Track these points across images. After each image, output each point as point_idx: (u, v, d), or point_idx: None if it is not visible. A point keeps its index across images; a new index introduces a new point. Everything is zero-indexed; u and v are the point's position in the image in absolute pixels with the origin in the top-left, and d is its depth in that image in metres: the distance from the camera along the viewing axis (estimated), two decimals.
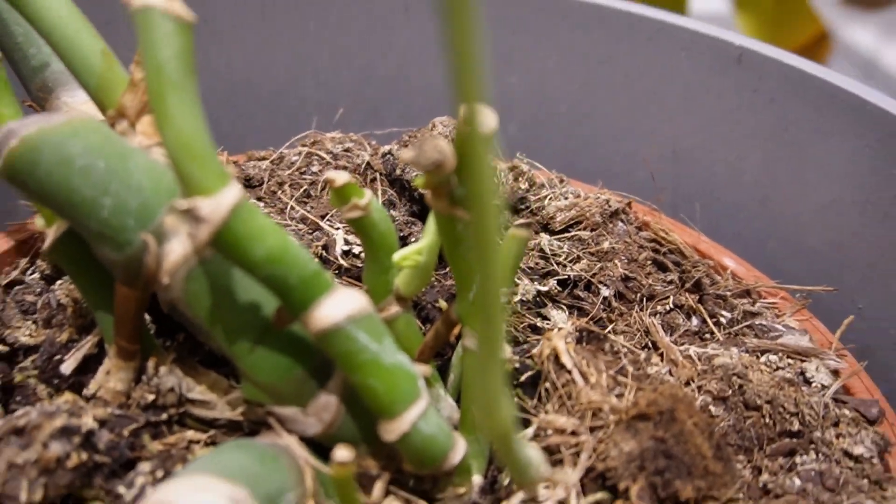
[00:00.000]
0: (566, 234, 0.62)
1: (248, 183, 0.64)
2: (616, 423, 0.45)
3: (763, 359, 0.53)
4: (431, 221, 0.48)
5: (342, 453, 0.36)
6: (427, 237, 0.48)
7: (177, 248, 0.41)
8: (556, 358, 0.49)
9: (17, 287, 0.55)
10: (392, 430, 0.41)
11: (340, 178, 0.46)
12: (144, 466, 0.41)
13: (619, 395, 0.47)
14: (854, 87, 0.58)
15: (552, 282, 0.59)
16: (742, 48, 0.64)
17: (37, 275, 0.57)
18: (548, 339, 0.49)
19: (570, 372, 0.48)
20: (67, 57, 0.44)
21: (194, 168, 0.36)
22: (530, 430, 0.47)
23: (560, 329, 0.51)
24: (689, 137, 0.70)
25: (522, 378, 0.51)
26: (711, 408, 0.49)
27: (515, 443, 0.34)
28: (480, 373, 0.29)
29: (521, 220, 0.49)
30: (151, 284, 0.42)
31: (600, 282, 0.59)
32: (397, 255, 0.48)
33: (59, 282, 0.54)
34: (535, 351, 0.51)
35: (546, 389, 0.49)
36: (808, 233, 0.64)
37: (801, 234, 0.65)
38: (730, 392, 0.49)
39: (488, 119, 0.38)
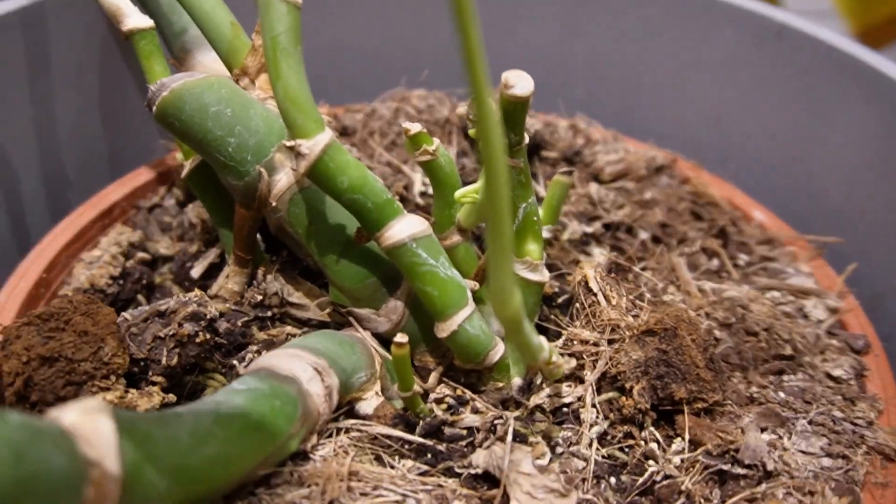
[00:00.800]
0: (614, 185, 0.72)
1: (345, 131, 0.75)
2: (630, 338, 0.55)
3: (768, 295, 0.61)
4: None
5: (400, 337, 0.47)
6: (483, 179, 0.59)
7: (283, 179, 0.53)
8: (586, 283, 0.59)
9: (156, 209, 0.69)
10: (444, 329, 0.52)
11: (414, 128, 0.57)
12: (252, 348, 0.54)
13: (635, 316, 0.57)
14: (874, 60, 0.64)
15: (597, 224, 0.68)
16: (783, 24, 0.71)
17: (172, 200, 0.70)
18: (580, 268, 0.59)
19: (595, 295, 0.58)
20: (205, 28, 0.56)
21: (298, 116, 0.47)
22: (560, 341, 0.57)
23: (590, 261, 0.61)
24: (732, 103, 0.78)
25: (560, 300, 0.61)
26: (716, 332, 0.57)
27: (524, 326, 0.44)
28: (494, 270, 0.39)
29: (567, 168, 0.58)
30: (263, 206, 0.54)
31: (639, 226, 0.68)
32: (458, 193, 0.58)
33: (190, 206, 0.67)
34: (569, 278, 0.61)
35: (576, 309, 0.59)
36: (831, 189, 0.72)
37: (825, 190, 0.72)
38: (733, 320, 0.58)
39: (523, 83, 0.49)
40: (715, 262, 0.65)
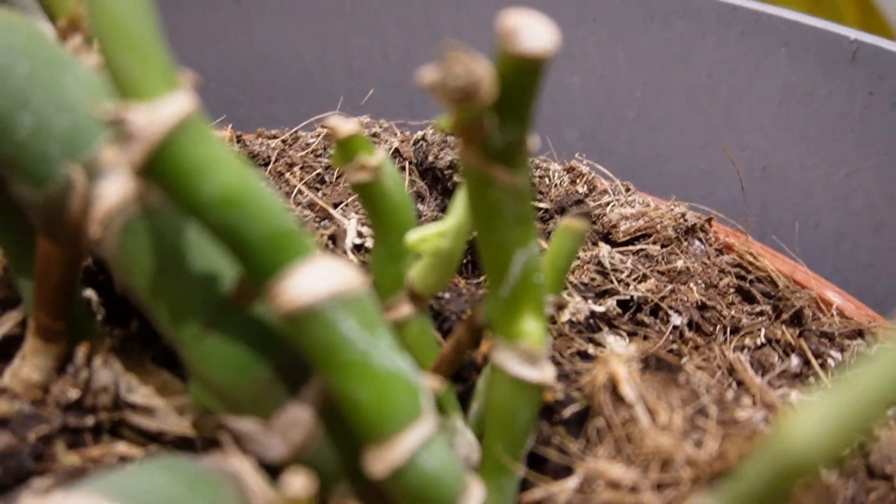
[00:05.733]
0: (631, 248, 0.51)
1: (254, 161, 0.53)
2: (693, 480, 0.33)
3: (891, 412, 0.40)
4: (461, 195, 0.37)
5: (296, 482, 0.25)
6: (454, 217, 0.37)
7: (113, 189, 0.30)
8: (614, 388, 0.37)
9: None
10: (381, 460, 0.29)
11: (344, 127, 0.35)
12: (39, 484, 0.30)
13: (698, 443, 0.35)
14: None
15: (610, 302, 0.47)
16: (858, 42, 0.52)
17: None
18: (604, 364, 0.38)
19: (631, 407, 0.36)
20: None
21: (129, 60, 0.26)
22: (574, 481, 0.35)
23: (620, 353, 0.39)
24: (784, 150, 0.58)
25: (566, 413, 0.39)
26: (822, 472, 0.36)
27: None
28: None
29: (580, 210, 0.38)
30: (79, 237, 0.31)
31: (670, 307, 0.47)
32: (414, 236, 0.37)
33: None
34: (584, 380, 0.39)
35: (598, 429, 0.37)
36: None
37: None
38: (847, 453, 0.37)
39: (536, 32, 0.27)
40: (794, 362, 0.44)
